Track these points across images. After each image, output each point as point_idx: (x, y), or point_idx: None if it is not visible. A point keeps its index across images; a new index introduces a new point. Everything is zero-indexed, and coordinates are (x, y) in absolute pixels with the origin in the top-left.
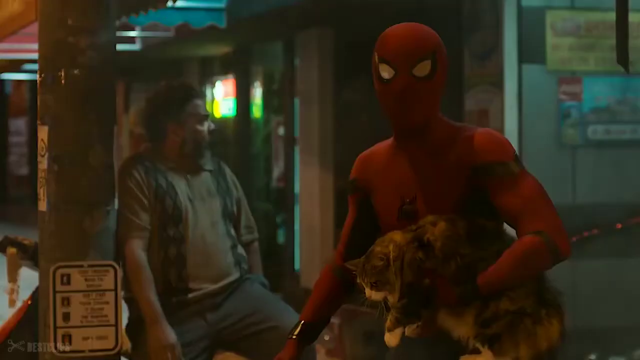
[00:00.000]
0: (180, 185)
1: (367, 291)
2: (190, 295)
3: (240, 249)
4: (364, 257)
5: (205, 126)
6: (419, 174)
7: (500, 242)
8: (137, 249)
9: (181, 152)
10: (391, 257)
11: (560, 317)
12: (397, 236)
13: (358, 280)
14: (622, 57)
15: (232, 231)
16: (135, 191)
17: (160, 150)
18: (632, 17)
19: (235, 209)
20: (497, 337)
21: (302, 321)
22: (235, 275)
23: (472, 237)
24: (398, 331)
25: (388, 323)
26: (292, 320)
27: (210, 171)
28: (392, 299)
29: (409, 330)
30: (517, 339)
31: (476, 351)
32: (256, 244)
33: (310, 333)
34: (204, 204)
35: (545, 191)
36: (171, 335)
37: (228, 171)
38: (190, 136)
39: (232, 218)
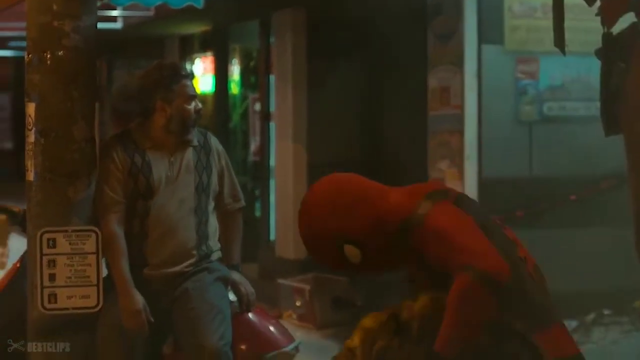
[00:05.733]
0: (159, 164)
1: None
2: (146, 271)
3: (211, 226)
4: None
5: (192, 105)
6: None
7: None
8: (114, 222)
9: (167, 130)
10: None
11: None
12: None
13: None
14: (559, 40)
15: (207, 206)
16: (112, 168)
17: (145, 128)
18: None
19: (215, 181)
20: None
21: None
22: (194, 258)
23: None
24: None
25: None
26: (217, 343)
27: (194, 146)
28: None
29: None
30: None
31: None
32: (240, 212)
33: None
34: (179, 180)
35: None
36: (139, 300)
37: (214, 143)
38: (177, 114)
39: (208, 192)
